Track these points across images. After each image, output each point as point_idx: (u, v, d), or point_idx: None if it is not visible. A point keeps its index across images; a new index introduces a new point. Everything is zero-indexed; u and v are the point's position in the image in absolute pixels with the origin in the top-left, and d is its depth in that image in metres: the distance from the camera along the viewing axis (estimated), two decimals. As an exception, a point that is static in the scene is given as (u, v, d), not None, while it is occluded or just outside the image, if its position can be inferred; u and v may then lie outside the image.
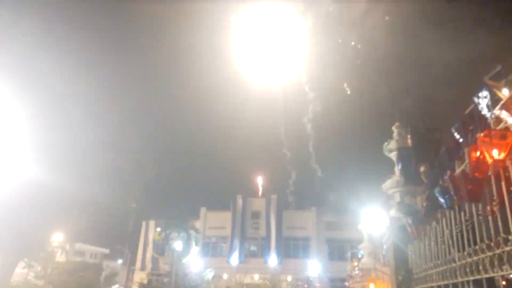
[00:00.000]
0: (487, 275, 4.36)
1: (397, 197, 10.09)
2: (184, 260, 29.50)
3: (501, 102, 4.28)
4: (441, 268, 5.81)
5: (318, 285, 37.13)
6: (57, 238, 30.49)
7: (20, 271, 28.49)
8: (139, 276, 38.67)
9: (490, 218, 4.34)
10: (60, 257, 30.94)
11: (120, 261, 51.10)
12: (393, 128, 11.63)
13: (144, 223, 44.90)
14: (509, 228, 3.97)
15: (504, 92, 4.26)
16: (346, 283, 27.32)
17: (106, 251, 53.91)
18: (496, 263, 4.15)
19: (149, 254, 42.77)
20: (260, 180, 50.10)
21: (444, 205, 5.54)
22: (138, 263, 43.34)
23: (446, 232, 5.74)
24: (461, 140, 5.20)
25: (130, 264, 43.61)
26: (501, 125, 4.38)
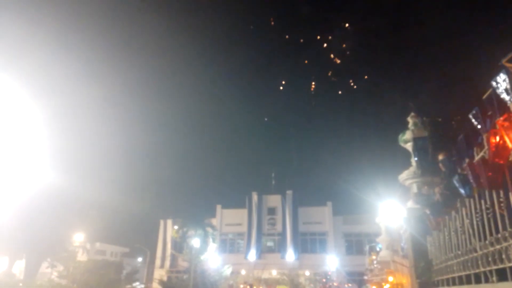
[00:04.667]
0: (510, 264, 4.23)
1: (415, 188, 9.88)
2: (202, 257, 29.76)
3: (521, 85, 4.12)
4: (462, 259, 5.67)
5: (336, 279, 36.94)
6: (78, 238, 31.24)
7: (44, 271, 29.33)
8: (159, 274, 39.26)
9: (512, 205, 4.20)
10: (81, 257, 31.70)
11: (140, 259, 52.03)
12: (409, 118, 11.39)
13: (162, 222, 45.55)
14: (532, 215, 3.83)
15: (524, 74, 4.10)
16: (365, 277, 27.08)
17: (126, 249, 54.97)
18: (520, 251, 4.02)
19: (168, 252, 43.39)
20: (275, 177, 50.13)
21: (464, 194, 5.40)
22: (158, 261, 44.05)
23: (466, 221, 5.60)
24: (479, 126, 5.05)
25: (150, 262, 44.36)
26: (522, 109, 4.22)
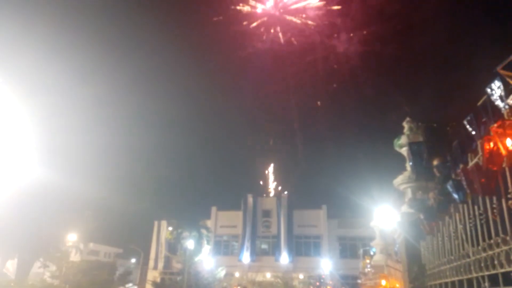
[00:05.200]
0: (503, 270, 4.25)
1: (409, 193, 9.92)
2: (196, 259, 29.68)
3: (515, 92, 4.16)
4: (455, 264, 5.70)
5: (331, 282, 36.95)
6: (72, 238, 31.00)
7: (36, 271, 29.07)
8: (152, 275, 39.11)
9: (504, 211, 4.23)
10: (74, 257, 31.47)
11: (133, 260, 51.74)
12: (404, 123, 11.44)
13: (156, 223, 45.35)
14: (525, 221, 3.86)
15: (518, 82, 4.14)
16: (359, 281, 27.12)
17: (120, 250, 54.67)
18: (512, 257, 4.04)
19: (162, 253, 43.19)
20: (270, 179, 50.16)
21: (457, 200, 5.43)
22: (151, 262, 43.81)
23: (460, 227, 5.63)
24: (473, 132, 5.08)
25: (144, 263, 44.13)
26: (515, 116, 4.25)
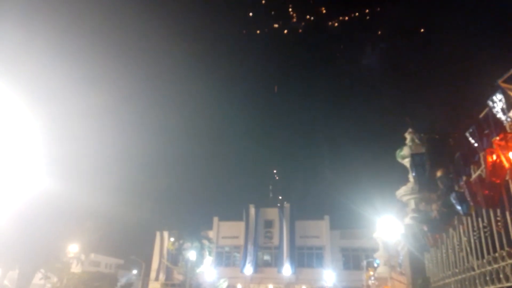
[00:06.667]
0: (508, 284, 4.22)
1: (412, 204, 9.87)
2: (198, 270, 29.45)
3: (517, 105, 4.18)
4: (459, 277, 5.65)
5: (334, 295, 36.48)
6: (73, 249, 30.84)
7: (37, 282, 28.87)
8: (154, 286, 38.75)
9: (509, 223, 4.22)
10: (75, 268, 31.28)
11: (135, 271, 51.31)
12: (406, 134, 11.44)
13: (158, 234, 45.11)
14: (529, 234, 3.84)
15: (519, 95, 4.17)
16: (362, 293, 26.77)
17: (121, 261, 54.29)
18: (517, 271, 4.01)
19: (163, 264, 42.86)
20: (272, 190, 49.97)
21: (461, 212, 5.41)
22: (153, 273, 43.44)
23: (464, 239, 5.59)
24: (476, 144, 5.09)
25: (145, 274, 43.75)
26: (517, 129, 4.27)
